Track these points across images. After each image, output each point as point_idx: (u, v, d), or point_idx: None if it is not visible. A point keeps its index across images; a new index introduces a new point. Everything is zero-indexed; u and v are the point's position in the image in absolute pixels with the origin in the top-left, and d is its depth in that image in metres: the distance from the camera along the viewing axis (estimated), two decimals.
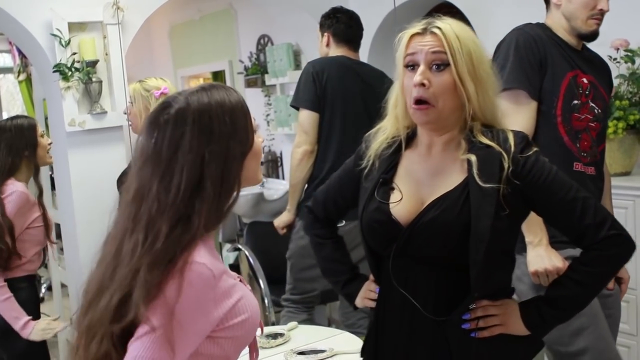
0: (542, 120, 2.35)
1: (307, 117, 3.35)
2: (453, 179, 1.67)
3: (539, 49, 2.36)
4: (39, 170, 3.22)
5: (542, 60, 2.34)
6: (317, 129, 3.35)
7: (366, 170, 1.82)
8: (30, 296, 3.10)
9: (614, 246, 1.65)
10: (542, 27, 2.46)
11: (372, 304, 1.85)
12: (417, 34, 1.67)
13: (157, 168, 1.31)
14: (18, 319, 2.95)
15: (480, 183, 1.60)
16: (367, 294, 1.89)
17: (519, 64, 2.33)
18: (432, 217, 1.65)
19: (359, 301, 1.93)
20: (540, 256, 2.22)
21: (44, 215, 3.16)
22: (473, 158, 1.63)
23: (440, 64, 1.63)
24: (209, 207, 1.31)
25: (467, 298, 1.64)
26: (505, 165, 1.61)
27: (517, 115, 2.29)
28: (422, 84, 1.63)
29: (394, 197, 1.73)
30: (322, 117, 3.34)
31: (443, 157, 1.71)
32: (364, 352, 1.87)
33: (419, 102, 1.65)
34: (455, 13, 3.98)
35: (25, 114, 7.35)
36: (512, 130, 1.69)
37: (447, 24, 1.65)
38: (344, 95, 3.34)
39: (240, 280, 1.44)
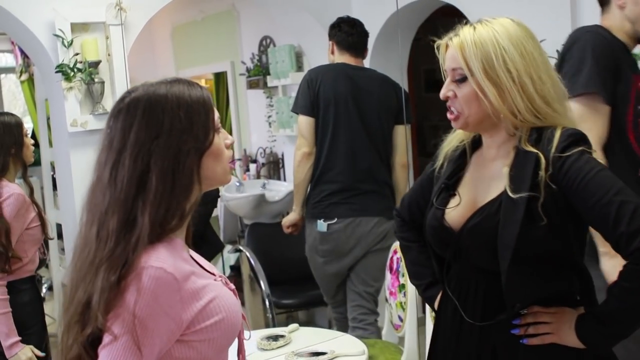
0: (611, 126, 2.29)
1: (303, 122, 3.62)
2: (500, 185, 1.64)
3: (613, 52, 2.31)
4: (27, 168, 3.17)
5: (617, 64, 2.30)
6: (314, 132, 3.58)
7: (436, 172, 1.85)
8: (33, 297, 3.09)
9: None
10: (601, 29, 2.40)
11: None
12: (446, 45, 1.71)
13: (109, 158, 1.30)
14: (8, 336, 2.88)
15: (510, 194, 1.57)
16: None
17: (597, 68, 2.26)
18: (474, 223, 1.66)
19: (436, 304, 1.91)
20: (616, 267, 2.13)
21: (39, 213, 3.12)
22: (506, 169, 1.62)
23: (460, 79, 1.66)
24: (156, 205, 1.27)
25: (508, 308, 1.60)
26: (542, 168, 1.56)
27: (593, 121, 2.23)
28: (447, 97, 1.69)
29: (453, 202, 1.74)
30: (317, 121, 3.58)
31: (497, 163, 1.70)
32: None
33: (449, 111, 1.71)
34: (458, 15, 3.97)
35: (27, 114, 7.37)
36: (564, 129, 1.60)
37: (470, 30, 1.65)
38: (336, 100, 3.56)
39: (225, 280, 1.42)
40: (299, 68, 5.16)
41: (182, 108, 1.32)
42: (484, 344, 1.67)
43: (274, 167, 5.84)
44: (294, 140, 5.37)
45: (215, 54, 6.51)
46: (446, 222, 1.71)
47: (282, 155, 5.75)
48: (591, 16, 3.38)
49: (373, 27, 4.61)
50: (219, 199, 5.39)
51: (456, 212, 1.71)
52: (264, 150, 5.96)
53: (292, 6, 4.65)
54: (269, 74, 5.47)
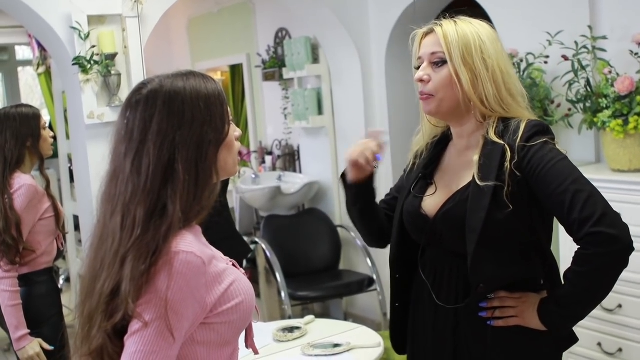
0: None
1: None
2: (471, 174, 1.74)
3: None
4: (44, 161, 3.16)
5: None
6: None
7: (407, 170, 1.95)
8: (50, 289, 3.09)
9: (593, 245, 1.59)
10: None
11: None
12: (425, 34, 1.82)
13: (129, 149, 1.31)
14: (17, 329, 2.88)
15: (478, 182, 1.68)
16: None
17: None
18: (447, 209, 1.76)
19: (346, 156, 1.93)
20: None
21: (54, 204, 3.11)
22: (475, 158, 1.72)
23: (438, 62, 1.76)
24: (184, 194, 1.29)
25: (472, 289, 1.70)
26: (508, 158, 1.66)
27: None
28: (422, 80, 1.78)
29: (430, 191, 1.85)
30: None
31: (469, 152, 1.80)
32: (393, 338, 1.96)
33: (421, 93, 1.80)
34: (475, 6, 3.95)
35: (45, 106, 7.41)
36: (528, 120, 1.73)
37: (452, 23, 1.78)
38: None
39: (234, 265, 1.45)
40: (315, 60, 5.15)
41: (201, 100, 1.34)
42: (457, 327, 1.76)
43: (289, 159, 5.84)
44: (310, 133, 5.40)
45: (231, 46, 6.51)
46: (422, 210, 1.82)
47: (298, 147, 5.75)
48: (610, 8, 3.35)
49: (389, 19, 4.60)
50: (231, 192, 5.38)
51: (432, 199, 1.82)
52: (280, 143, 5.96)
53: None
54: (284, 66, 5.47)
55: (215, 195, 1.37)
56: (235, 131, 1.42)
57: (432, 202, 1.81)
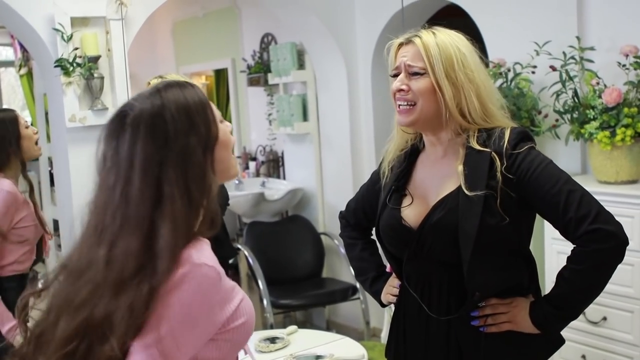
0: None
1: None
2: (453, 182, 1.74)
3: None
4: (25, 165, 3.09)
5: None
6: None
7: (383, 181, 1.92)
8: (17, 297, 3.01)
9: (593, 242, 1.63)
10: None
11: (394, 300, 1.92)
12: (402, 44, 1.79)
13: (118, 179, 1.28)
14: (3, 323, 2.83)
15: (467, 192, 1.67)
16: (390, 290, 1.95)
17: None
18: (437, 218, 1.72)
19: (383, 297, 1.99)
20: None
21: (35, 211, 3.04)
22: (460, 168, 1.70)
23: (417, 72, 1.73)
24: (178, 212, 1.26)
25: (468, 297, 1.69)
26: (497, 164, 1.67)
27: None
28: (401, 89, 1.75)
29: (405, 202, 1.82)
30: None
31: (447, 161, 1.78)
32: (387, 352, 1.95)
33: (400, 105, 1.77)
34: (461, 14, 3.94)
35: (26, 108, 7.33)
36: (511, 128, 1.74)
37: (430, 34, 1.75)
38: None
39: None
40: (301, 66, 5.12)
41: (182, 111, 1.32)
42: (450, 337, 1.75)
43: (273, 165, 5.81)
44: (294, 139, 5.37)
45: (216, 51, 6.47)
46: (404, 221, 1.79)
47: (282, 153, 5.71)
48: (597, 19, 3.34)
49: (376, 27, 4.58)
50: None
51: (411, 211, 1.79)
52: (264, 148, 5.93)
53: (295, 4, 4.61)
54: (270, 71, 5.43)
55: (213, 200, 1.33)
56: (228, 127, 1.40)
57: (412, 213, 1.79)
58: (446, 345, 1.75)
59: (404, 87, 1.74)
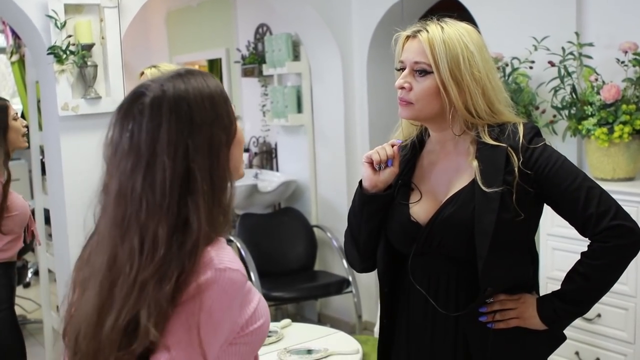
0: None
1: None
2: (465, 178, 1.71)
3: None
4: (9, 156, 3.01)
5: None
6: None
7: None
8: (2, 284, 2.97)
9: (614, 237, 1.65)
10: None
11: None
12: (409, 36, 1.74)
13: (138, 164, 1.19)
14: None
15: (484, 188, 1.64)
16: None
17: None
18: (449, 214, 1.70)
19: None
20: None
21: (3, 202, 2.92)
22: (475, 164, 1.68)
23: (422, 71, 1.69)
24: (206, 204, 1.20)
25: (480, 293, 1.68)
26: (515, 159, 1.65)
27: None
28: (403, 87, 1.71)
29: (413, 197, 1.78)
30: None
31: (456, 157, 1.76)
32: (382, 347, 1.89)
33: (400, 99, 1.74)
34: (460, 8, 3.91)
35: (17, 95, 7.26)
36: (524, 122, 1.73)
37: (438, 28, 1.70)
38: None
39: None
40: (296, 57, 5.09)
41: (206, 100, 1.24)
42: (458, 333, 1.73)
43: (266, 157, 5.78)
44: (288, 131, 5.34)
45: (210, 41, 6.43)
46: (412, 217, 1.75)
47: (276, 145, 5.68)
48: (596, 15, 3.32)
49: (372, 19, 4.55)
50: None
51: (419, 206, 1.76)
52: (257, 140, 5.89)
53: None
54: (264, 62, 5.39)
55: (233, 197, 1.28)
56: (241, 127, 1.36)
57: (421, 209, 1.75)
58: (453, 341, 1.73)
59: (406, 85, 1.71)
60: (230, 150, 1.28)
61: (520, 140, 1.67)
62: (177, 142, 1.19)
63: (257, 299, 1.28)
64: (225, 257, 1.20)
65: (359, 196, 1.81)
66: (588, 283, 1.70)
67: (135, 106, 1.22)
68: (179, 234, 1.17)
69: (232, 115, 1.29)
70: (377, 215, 1.79)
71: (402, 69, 1.74)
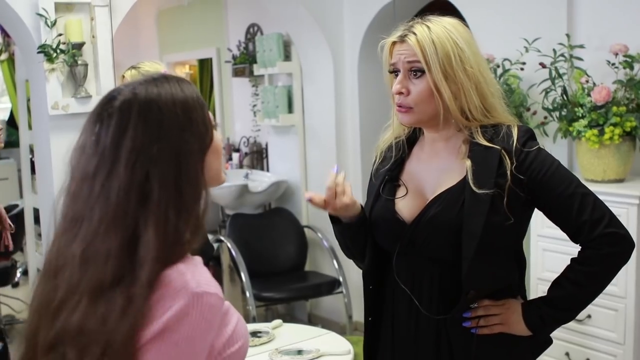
0: None
1: None
2: (454, 177, 1.70)
3: None
4: None
5: None
6: None
7: (374, 167, 1.86)
8: None
9: (608, 245, 1.64)
10: None
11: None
12: (396, 42, 1.71)
13: (100, 169, 1.14)
14: None
15: (475, 189, 1.62)
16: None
17: None
18: (434, 213, 1.68)
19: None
20: None
21: None
22: (468, 163, 1.65)
23: (416, 71, 1.67)
24: (162, 218, 1.12)
25: (462, 295, 1.66)
26: (508, 163, 1.63)
27: None
28: (401, 92, 1.69)
29: (399, 193, 1.77)
30: None
31: (446, 156, 1.74)
32: (368, 347, 1.87)
33: (400, 105, 1.72)
34: (451, 9, 3.91)
35: (6, 94, 7.22)
36: (518, 125, 1.71)
37: (424, 28, 1.67)
38: None
39: None
40: (287, 57, 5.08)
41: (178, 105, 1.19)
42: (441, 336, 1.71)
43: (257, 157, 5.77)
44: (279, 131, 5.33)
45: (201, 40, 6.41)
46: (398, 214, 1.74)
47: (266, 145, 5.67)
48: (587, 17, 3.34)
49: (364, 19, 4.55)
50: None
51: (406, 203, 1.74)
52: (248, 140, 5.88)
53: None
54: (255, 62, 5.38)
55: (208, 208, 1.21)
56: (219, 134, 1.29)
57: (406, 206, 1.74)
58: (437, 343, 1.72)
59: (403, 90, 1.68)
60: (206, 158, 1.22)
61: (514, 144, 1.65)
62: (141, 148, 1.14)
63: (235, 320, 1.21)
64: (202, 278, 1.13)
65: (334, 227, 1.82)
66: (579, 290, 1.69)
67: (104, 109, 1.19)
68: (133, 247, 1.11)
69: (209, 123, 1.24)
70: (359, 232, 1.79)
71: (395, 72, 1.72)
